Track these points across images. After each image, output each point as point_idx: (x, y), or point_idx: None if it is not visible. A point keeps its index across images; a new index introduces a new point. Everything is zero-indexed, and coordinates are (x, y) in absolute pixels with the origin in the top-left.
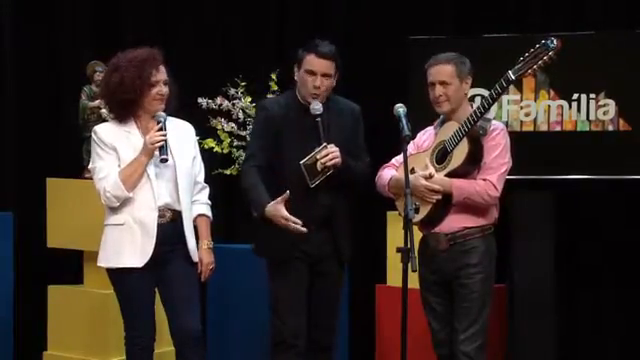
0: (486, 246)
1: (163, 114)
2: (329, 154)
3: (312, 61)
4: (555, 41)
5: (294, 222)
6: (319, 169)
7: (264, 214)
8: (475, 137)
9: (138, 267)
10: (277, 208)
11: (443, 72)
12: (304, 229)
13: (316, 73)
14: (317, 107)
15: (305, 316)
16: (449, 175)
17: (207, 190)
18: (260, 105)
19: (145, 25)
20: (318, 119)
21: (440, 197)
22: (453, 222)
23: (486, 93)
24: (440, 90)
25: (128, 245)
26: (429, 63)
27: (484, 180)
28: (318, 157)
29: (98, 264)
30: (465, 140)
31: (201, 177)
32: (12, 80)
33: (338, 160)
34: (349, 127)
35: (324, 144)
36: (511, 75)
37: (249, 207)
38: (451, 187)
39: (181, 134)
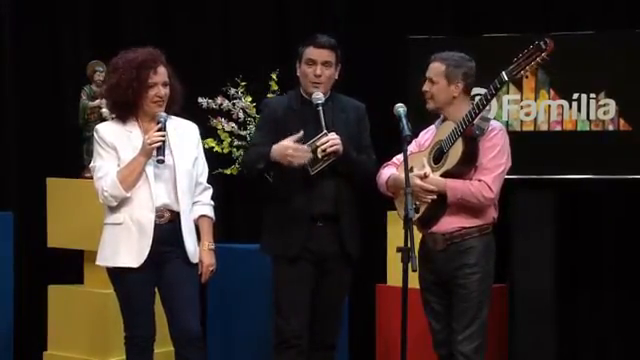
0: (484, 246)
1: (164, 114)
2: (329, 140)
3: (311, 52)
4: (548, 42)
5: (300, 148)
6: (319, 156)
7: (270, 157)
8: (470, 137)
9: (135, 267)
10: (281, 143)
11: (433, 69)
12: (309, 153)
13: (316, 62)
14: (319, 96)
15: (308, 316)
16: (444, 175)
17: (210, 191)
18: (263, 102)
19: (145, 25)
20: (319, 107)
21: (435, 197)
22: (450, 222)
23: None
24: (427, 86)
25: (125, 245)
26: (431, 57)
27: (479, 181)
28: (318, 144)
29: (96, 263)
30: (460, 140)
31: (204, 178)
32: (12, 80)
33: (339, 147)
34: (353, 124)
35: (324, 131)
36: (504, 76)
37: (254, 171)
38: (445, 187)
39: (183, 134)
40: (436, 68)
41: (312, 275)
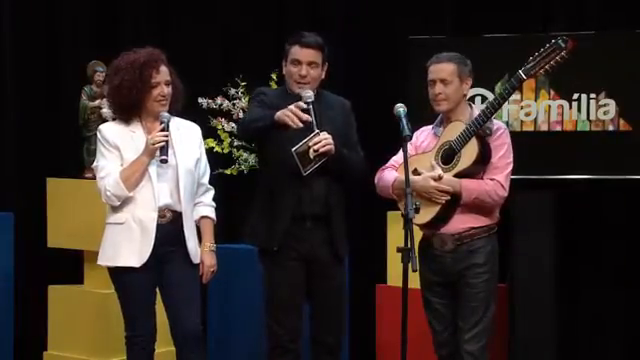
0: (492, 246)
1: (167, 114)
2: (321, 140)
3: (296, 51)
4: (568, 40)
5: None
6: (312, 157)
7: (273, 118)
8: (483, 137)
9: (136, 267)
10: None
11: (444, 70)
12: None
13: (301, 62)
14: (308, 94)
15: (301, 317)
16: (457, 175)
17: (211, 192)
18: (259, 90)
19: (145, 25)
20: (310, 106)
21: (449, 198)
22: (459, 223)
23: (486, 93)
24: (440, 88)
25: (126, 244)
26: (431, 61)
27: (492, 180)
28: (310, 144)
29: (98, 262)
30: (474, 140)
31: (206, 179)
32: (12, 80)
33: (331, 147)
34: (340, 121)
35: (316, 131)
36: (522, 74)
37: (251, 129)
38: (460, 187)
39: (186, 135)
40: (446, 69)
41: (303, 277)
